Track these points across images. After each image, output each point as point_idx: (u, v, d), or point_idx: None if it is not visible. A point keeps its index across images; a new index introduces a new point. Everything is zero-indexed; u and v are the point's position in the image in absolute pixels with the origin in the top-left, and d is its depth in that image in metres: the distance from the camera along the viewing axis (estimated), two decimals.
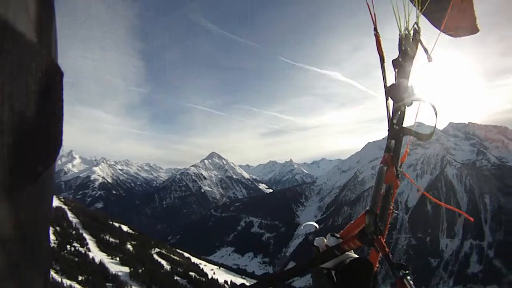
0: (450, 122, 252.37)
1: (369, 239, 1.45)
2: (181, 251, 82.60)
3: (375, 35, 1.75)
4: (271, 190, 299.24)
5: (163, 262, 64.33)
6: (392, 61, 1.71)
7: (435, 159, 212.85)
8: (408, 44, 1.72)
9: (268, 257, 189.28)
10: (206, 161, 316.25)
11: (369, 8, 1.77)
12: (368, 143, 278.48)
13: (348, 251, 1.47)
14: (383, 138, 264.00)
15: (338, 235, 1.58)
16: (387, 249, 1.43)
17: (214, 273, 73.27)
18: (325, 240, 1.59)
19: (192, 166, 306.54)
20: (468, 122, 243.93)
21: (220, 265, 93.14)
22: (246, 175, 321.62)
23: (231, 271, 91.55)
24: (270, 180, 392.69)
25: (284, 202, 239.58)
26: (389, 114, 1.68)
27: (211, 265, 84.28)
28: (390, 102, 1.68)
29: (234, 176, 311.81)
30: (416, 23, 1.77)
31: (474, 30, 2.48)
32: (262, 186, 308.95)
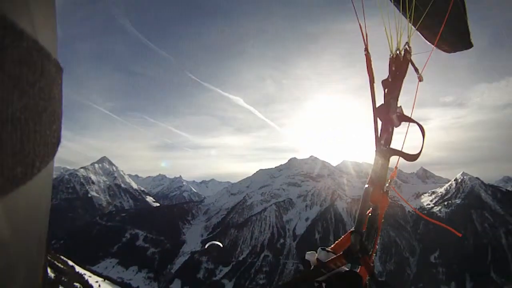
0: (343, 160, 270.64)
1: (355, 258, 1.49)
2: (65, 258, 75.85)
3: (365, 55, 1.73)
4: (158, 204, 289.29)
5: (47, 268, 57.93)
6: (382, 81, 1.70)
7: (326, 192, 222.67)
8: (398, 64, 1.70)
9: (152, 273, 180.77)
10: (96, 165, 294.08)
11: (361, 29, 1.74)
12: (260, 169, 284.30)
13: (334, 269, 1.51)
14: (275, 167, 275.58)
15: (329, 249, 1.59)
16: (372, 268, 1.50)
17: (99, 286, 68.66)
18: (316, 254, 1.61)
19: (81, 168, 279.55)
20: (362, 162, 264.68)
21: (104, 277, 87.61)
22: (135, 186, 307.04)
23: (116, 284, 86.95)
24: (158, 193, 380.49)
25: (171, 218, 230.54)
26: (377, 134, 1.68)
27: (95, 277, 78.83)
28: (378, 122, 1.68)
29: (123, 185, 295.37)
30: (407, 42, 1.74)
31: (467, 45, 2.52)
32: (149, 199, 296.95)
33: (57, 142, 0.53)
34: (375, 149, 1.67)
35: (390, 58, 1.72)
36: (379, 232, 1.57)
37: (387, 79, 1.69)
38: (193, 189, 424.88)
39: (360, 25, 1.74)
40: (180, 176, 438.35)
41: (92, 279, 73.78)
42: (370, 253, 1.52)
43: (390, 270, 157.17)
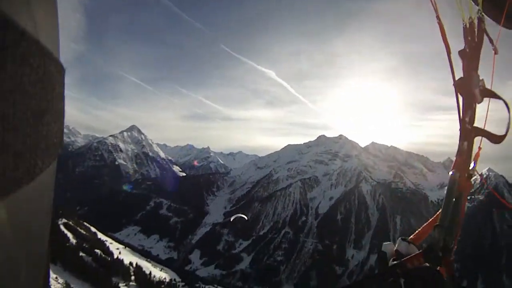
0: (373, 142, 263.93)
1: (435, 257, 1.34)
2: (88, 225, 76.33)
3: (438, 23, 1.64)
4: (184, 174, 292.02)
5: (69, 234, 58.48)
6: (459, 52, 1.60)
7: (352, 173, 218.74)
8: (474, 34, 1.60)
9: (173, 242, 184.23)
10: (125, 133, 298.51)
11: None
12: (289, 145, 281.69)
13: (411, 269, 1.34)
14: (303, 143, 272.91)
15: (408, 239, 1.45)
16: (453, 270, 1.34)
17: (120, 252, 68.69)
18: (394, 246, 1.47)
19: (110, 136, 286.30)
20: (391, 146, 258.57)
21: (126, 244, 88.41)
22: (162, 155, 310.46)
23: (136, 252, 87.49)
24: (185, 163, 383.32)
25: (196, 188, 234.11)
26: (460, 112, 1.56)
27: (117, 244, 79.27)
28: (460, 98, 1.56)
29: (150, 154, 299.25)
30: (480, 10, 1.65)
31: None
32: (176, 168, 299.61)
33: (60, 142, 0.53)
34: (459, 127, 1.55)
35: (463, 28, 1.62)
36: (459, 226, 1.42)
37: (464, 50, 1.59)
38: (220, 160, 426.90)
39: None
40: (208, 147, 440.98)
41: (113, 245, 74.53)
42: (452, 252, 1.36)
43: None
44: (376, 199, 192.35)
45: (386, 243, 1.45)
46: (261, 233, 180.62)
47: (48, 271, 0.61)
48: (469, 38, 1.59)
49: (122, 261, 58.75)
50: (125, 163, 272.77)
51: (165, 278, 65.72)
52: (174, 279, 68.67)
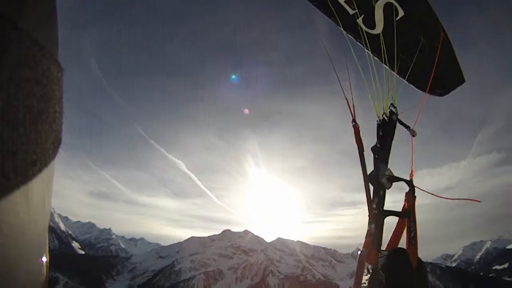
0: (278, 237, 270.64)
1: None
2: None
3: (353, 126, 1.81)
4: (83, 252, 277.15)
5: None
6: (371, 148, 1.81)
7: (258, 267, 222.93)
8: (385, 128, 1.81)
9: None
10: None
11: (347, 101, 1.82)
12: (192, 237, 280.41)
13: None
14: (207, 236, 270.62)
15: None
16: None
17: None
18: None
19: None
20: (297, 240, 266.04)
21: None
22: (63, 227, 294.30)
23: None
24: (85, 241, 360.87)
25: (95, 270, 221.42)
26: (368, 199, 1.76)
27: None
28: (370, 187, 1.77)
29: (51, 224, 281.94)
30: (392, 104, 1.85)
31: (460, 81, 2.65)
32: (75, 244, 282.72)
33: (58, 142, 0.54)
34: (368, 214, 1.71)
35: (377, 124, 1.80)
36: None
37: (375, 145, 1.76)
38: (122, 244, 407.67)
39: (346, 98, 1.80)
40: (110, 228, 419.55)
41: None
42: None
43: None
44: None
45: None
46: None
47: (48, 272, 0.63)
48: (381, 133, 1.77)
49: None
50: None
51: None
52: None
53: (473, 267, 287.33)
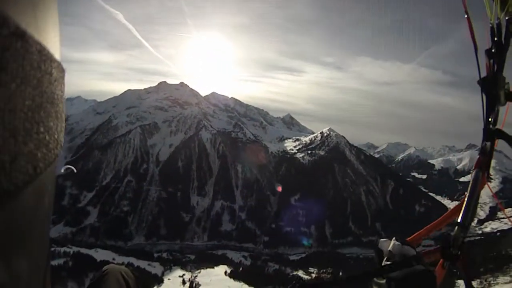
0: (213, 92, 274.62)
1: (454, 255, 1.32)
2: None
3: (467, 19, 1.60)
4: None
5: None
6: (486, 51, 1.57)
7: (192, 121, 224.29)
8: (501, 35, 1.57)
9: None
10: None
11: None
12: (128, 90, 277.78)
13: (426, 264, 1.32)
14: (143, 89, 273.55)
15: (404, 241, 1.39)
16: (470, 272, 1.36)
17: None
18: (390, 244, 1.42)
19: None
20: (231, 97, 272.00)
21: None
22: None
23: None
24: None
25: None
26: (484, 112, 1.55)
27: None
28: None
29: None
30: (510, 11, 1.62)
31: None
32: None
33: (60, 143, 0.54)
34: (483, 127, 1.53)
35: (491, 28, 1.58)
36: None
37: (490, 49, 1.55)
38: None
39: None
40: None
41: None
42: (468, 251, 1.33)
43: (251, 206, 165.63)
44: (216, 148, 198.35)
45: (382, 240, 1.44)
46: (104, 183, 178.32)
47: (49, 272, 0.63)
48: (496, 39, 1.56)
49: None
50: None
51: None
52: None
53: (393, 165, 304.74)
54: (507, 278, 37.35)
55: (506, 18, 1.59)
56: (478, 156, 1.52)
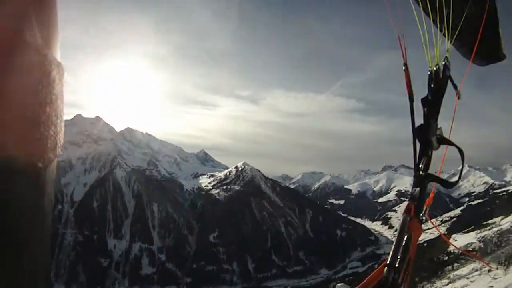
0: (128, 127, 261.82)
1: None
2: None
3: (404, 71, 1.64)
4: None
5: None
6: (422, 100, 1.62)
7: (106, 158, 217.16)
8: (438, 81, 1.64)
9: None
10: None
11: (399, 42, 1.66)
12: None
13: None
14: None
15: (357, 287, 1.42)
16: None
17: None
18: None
19: None
20: (145, 133, 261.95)
21: None
22: None
23: None
24: None
25: None
26: (415, 158, 1.59)
27: None
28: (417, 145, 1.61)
29: None
30: (447, 57, 1.68)
31: (500, 57, 2.46)
32: None
33: (59, 143, 0.54)
34: (414, 174, 1.57)
35: (429, 75, 1.64)
36: (411, 265, 1.42)
37: (426, 97, 1.61)
38: None
39: (398, 38, 1.65)
40: None
41: None
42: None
43: (169, 246, 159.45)
44: (131, 186, 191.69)
45: (339, 284, 1.50)
46: None
47: (49, 271, 0.63)
48: (432, 86, 1.61)
49: None
50: None
51: None
52: None
53: (310, 194, 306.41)
54: (445, 281, 38.87)
55: (443, 63, 1.66)
56: (408, 203, 1.56)
